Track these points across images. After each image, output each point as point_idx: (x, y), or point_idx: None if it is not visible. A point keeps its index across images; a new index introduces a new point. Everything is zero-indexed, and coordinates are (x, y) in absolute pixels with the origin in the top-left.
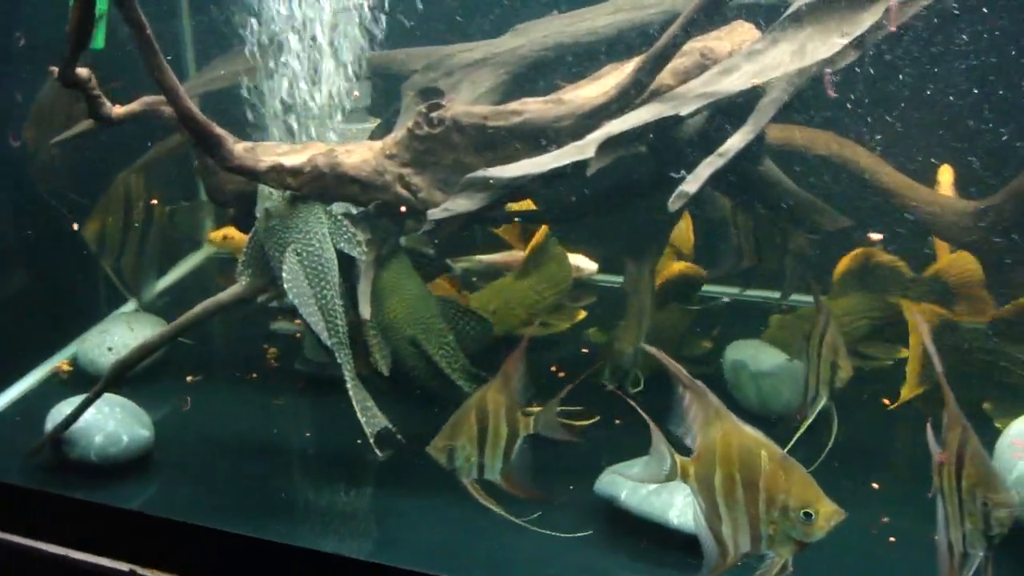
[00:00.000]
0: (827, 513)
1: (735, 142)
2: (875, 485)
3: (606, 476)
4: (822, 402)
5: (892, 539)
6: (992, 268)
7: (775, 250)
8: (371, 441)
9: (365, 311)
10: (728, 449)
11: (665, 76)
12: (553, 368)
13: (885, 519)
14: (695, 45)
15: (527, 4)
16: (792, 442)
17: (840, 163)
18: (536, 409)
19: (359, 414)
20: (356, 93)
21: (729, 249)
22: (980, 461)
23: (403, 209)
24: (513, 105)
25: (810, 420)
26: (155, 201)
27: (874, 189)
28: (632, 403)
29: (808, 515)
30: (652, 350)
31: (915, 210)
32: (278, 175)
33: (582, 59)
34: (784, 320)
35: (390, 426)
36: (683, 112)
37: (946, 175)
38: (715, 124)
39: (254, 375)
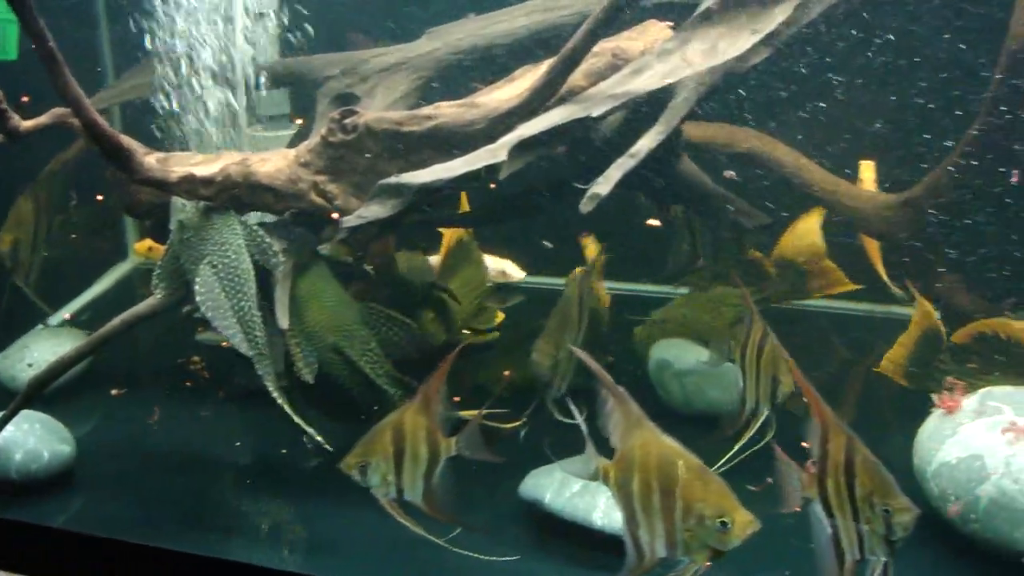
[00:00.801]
0: (742, 522)
1: (646, 143)
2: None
3: (530, 479)
4: (763, 416)
5: None
6: (917, 262)
7: (730, 251)
8: (317, 440)
9: (283, 320)
10: (647, 457)
11: (578, 77)
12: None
13: None
14: (607, 46)
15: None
16: (729, 457)
17: (762, 160)
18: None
19: (299, 421)
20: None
21: (679, 251)
22: (873, 469)
23: (335, 216)
24: (426, 110)
25: (751, 432)
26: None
27: (796, 185)
28: (573, 410)
29: (724, 524)
30: (578, 352)
31: (837, 205)
32: (190, 186)
33: (498, 61)
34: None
35: (317, 436)
36: (594, 113)
37: (868, 171)
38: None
39: (181, 386)
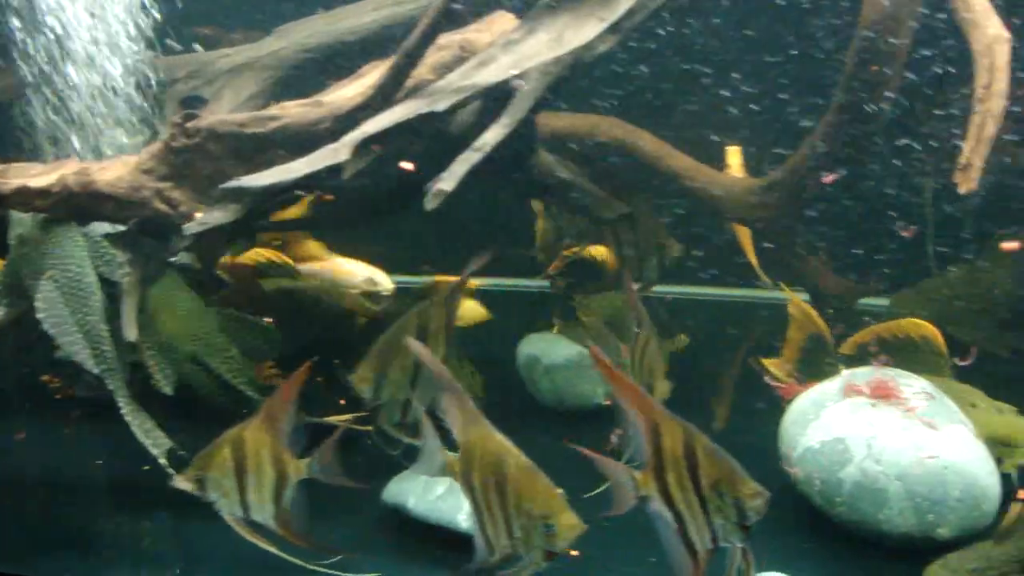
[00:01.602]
0: (567, 525)
1: (491, 136)
2: None
3: (394, 484)
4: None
5: None
6: (782, 245)
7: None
8: (162, 463)
9: (130, 333)
10: (483, 453)
11: (426, 71)
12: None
13: None
14: (455, 38)
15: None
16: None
17: (625, 148)
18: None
19: (142, 437)
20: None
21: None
22: (715, 457)
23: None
24: (271, 110)
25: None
26: None
27: (660, 173)
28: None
29: (549, 526)
30: (415, 345)
31: (700, 191)
32: (24, 198)
33: (348, 57)
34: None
35: (176, 447)
36: (439, 108)
37: (734, 156)
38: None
39: (42, 403)
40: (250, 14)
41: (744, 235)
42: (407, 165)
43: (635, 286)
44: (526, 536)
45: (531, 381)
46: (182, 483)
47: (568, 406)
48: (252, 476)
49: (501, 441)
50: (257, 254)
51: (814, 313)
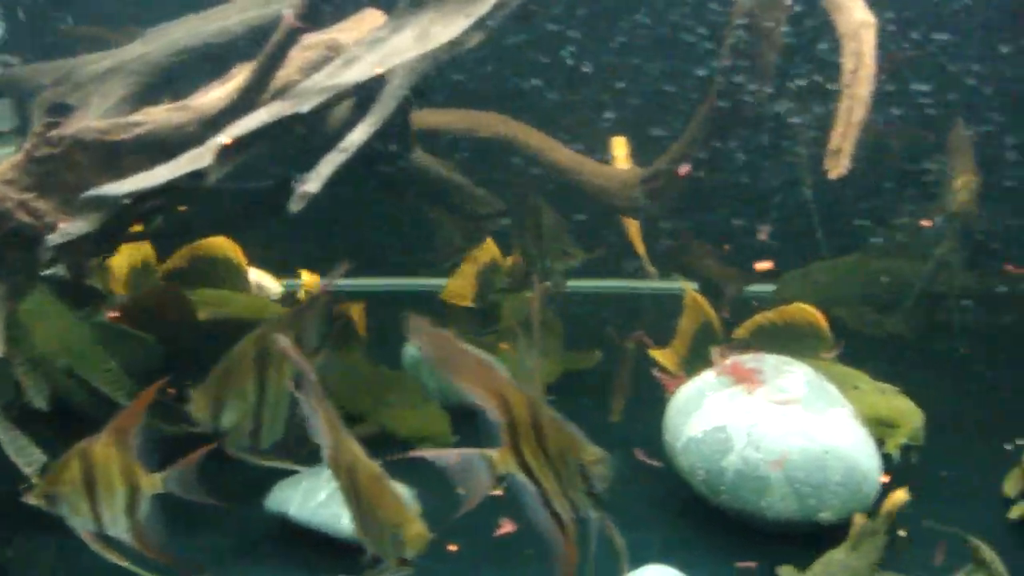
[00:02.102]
0: (413, 535)
1: (358, 136)
2: None
3: (276, 491)
4: None
5: None
6: (666, 235)
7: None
8: (35, 481)
9: None
10: (344, 460)
11: (293, 72)
12: None
13: None
14: (322, 38)
15: None
16: None
17: (509, 144)
18: None
19: (13, 455)
20: None
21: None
22: (558, 425)
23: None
24: (135, 116)
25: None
26: None
27: (545, 167)
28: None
29: (396, 535)
30: (282, 341)
31: (586, 184)
32: None
33: (220, 60)
34: None
35: (26, 468)
36: (303, 109)
37: (619, 147)
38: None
39: None
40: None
41: (632, 226)
42: None
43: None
44: (379, 543)
45: (416, 377)
46: (33, 499)
47: (453, 402)
48: (102, 490)
49: (355, 450)
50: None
51: (705, 302)
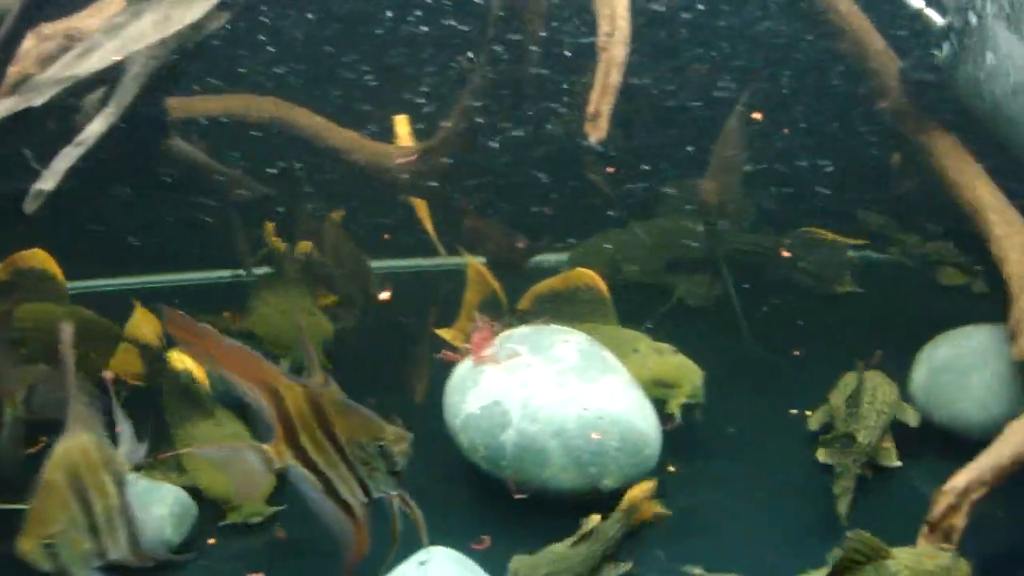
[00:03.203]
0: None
1: (96, 127)
2: None
3: None
4: None
5: None
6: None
7: None
8: None
9: None
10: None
11: (29, 64)
12: None
13: None
14: (59, 27)
15: None
16: None
17: (282, 127)
18: None
19: None
20: None
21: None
22: (350, 410)
23: None
24: None
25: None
26: None
27: (321, 149)
28: None
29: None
30: (64, 336)
31: (363, 164)
32: None
33: None
34: None
35: None
36: (37, 103)
37: (402, 125)
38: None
39: None
40: None
41: (420, 204)
42: None
43: None
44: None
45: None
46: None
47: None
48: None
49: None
50: None
51: (488, 273)
